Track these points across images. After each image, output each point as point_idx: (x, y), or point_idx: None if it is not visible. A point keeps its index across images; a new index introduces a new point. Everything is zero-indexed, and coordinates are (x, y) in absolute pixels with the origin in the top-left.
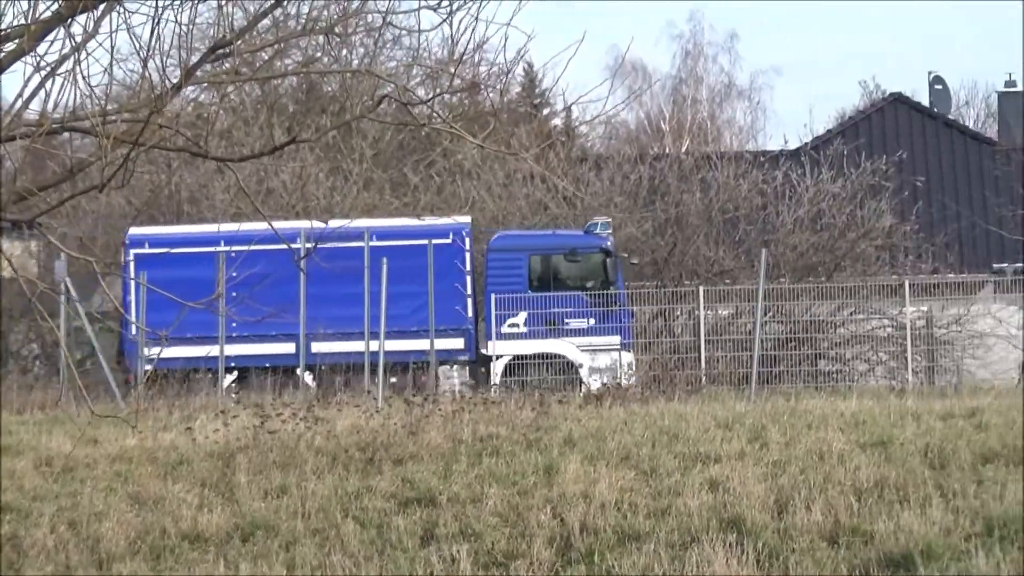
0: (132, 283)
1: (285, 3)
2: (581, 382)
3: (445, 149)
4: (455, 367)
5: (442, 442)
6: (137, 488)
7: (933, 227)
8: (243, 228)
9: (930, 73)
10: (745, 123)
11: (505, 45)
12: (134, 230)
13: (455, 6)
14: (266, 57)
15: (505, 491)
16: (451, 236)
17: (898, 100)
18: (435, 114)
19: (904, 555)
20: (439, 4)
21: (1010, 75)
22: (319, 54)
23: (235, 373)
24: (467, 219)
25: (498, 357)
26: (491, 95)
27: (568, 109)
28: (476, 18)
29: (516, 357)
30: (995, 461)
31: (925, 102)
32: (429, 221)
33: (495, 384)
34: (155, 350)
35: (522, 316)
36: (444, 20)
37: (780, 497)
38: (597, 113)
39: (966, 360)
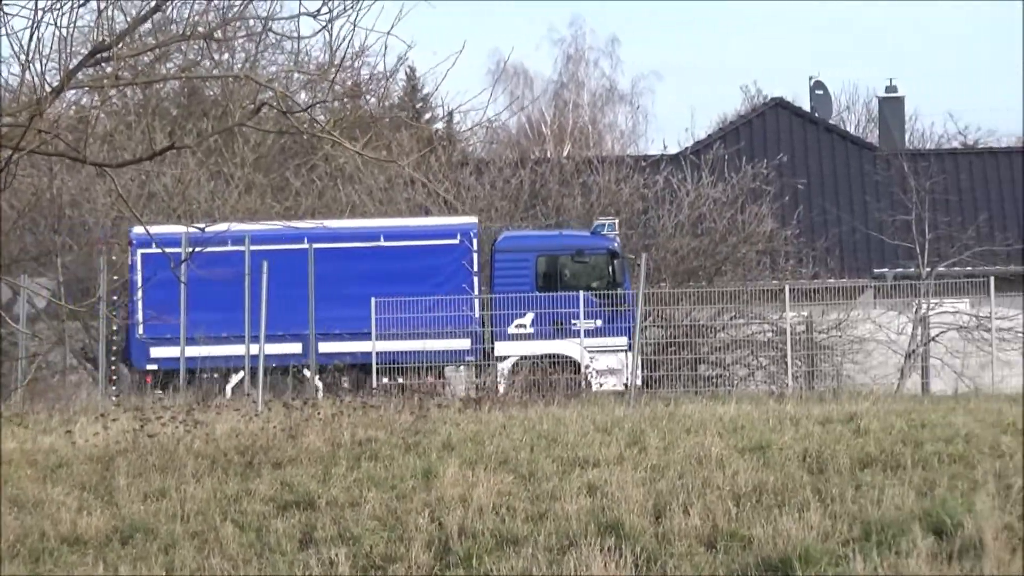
0: (138, 282)
1: (165, 7)
2: (588, 383)
3: (326, 153)
4: (462, 367)
5: (321, 446)
6: (16, 491)
7: (814, 232)
8: (250, 228)
9: (811, 78)
10: (626, 127)
11: (385, 52)
12: (139, 229)
13: (334, 13)
14: (148, 61)
15: (384, 495)
16: (459, 236)
17: (779, 105)
18: (315, 120)
19: (782, 560)
20: (319, 11)
21: (891, 80)
22: (201, 59)
23: (241, 373)
24: (473, 219)
25: (504, 358)
26: (371, 101)
27: (450, 114)
28: (355, 25)
29: (523, 358)
30: (873, 466)
31: (806, 107)
32: (437, 221)
33: (500, 383)
34: (159, 350)
35: (529, 317)
36: (324, 27)
37: (658, 501)
38: (478, 120)
39: (846, 365)
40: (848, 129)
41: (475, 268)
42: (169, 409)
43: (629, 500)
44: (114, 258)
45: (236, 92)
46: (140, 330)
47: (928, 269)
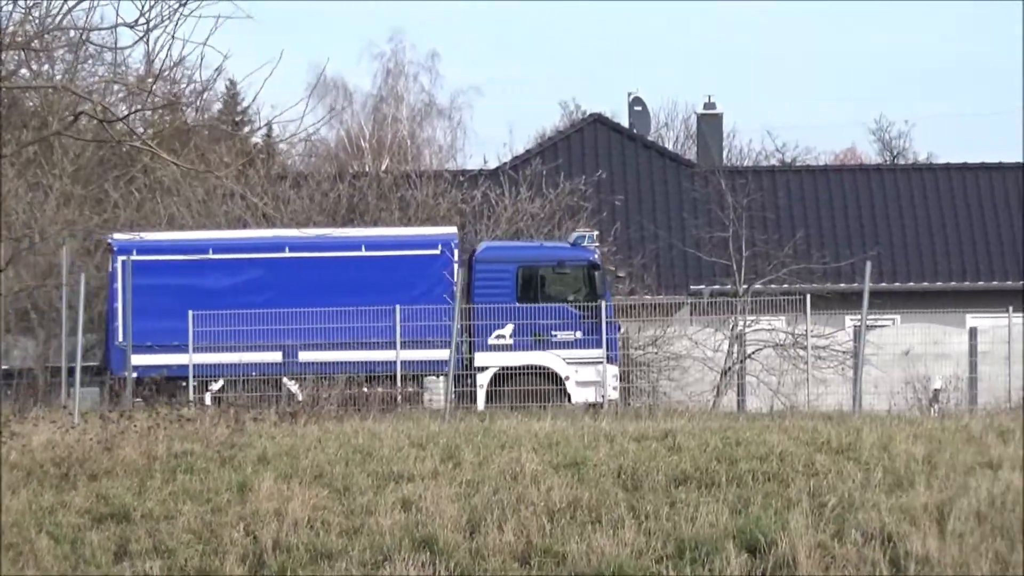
0: (119, 290)
1: None
2: (568, 395)
3: (145, 165)
4: (441, 378)
5: (137, 458)
6: None
7: (631, 248)
8: (232, 236)
9: (630, 94)
10: (445, 142)
11: (202, 63)
12: (119, 236)
13: (151, 24)
14: None
15: (199, 508)
16: (440, 247)
17: (598, 121)
18: (133, 132)
19: None
20: (136, 22)
21: (709, 97)
22: (19, 68)
23: (220, 381)
24: (453, 230)
25: (484, 369)
26: (189, 113)
27: (269, 127)
28: (173, 36)
29: (502, 368)
30: (688, 483)
31: (625, 123)
32: (417, 231)
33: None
34: (139, 357)
35: (509, 328)
36: (141, 38)
37: (473, 517)
38: (295, 131)
39: (662, 382)
40: (666, 145)
41: (455, 279)
42: None
43: (443, 515)
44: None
45: (55, 103)
46: (119, 337)
47: (745, 286)
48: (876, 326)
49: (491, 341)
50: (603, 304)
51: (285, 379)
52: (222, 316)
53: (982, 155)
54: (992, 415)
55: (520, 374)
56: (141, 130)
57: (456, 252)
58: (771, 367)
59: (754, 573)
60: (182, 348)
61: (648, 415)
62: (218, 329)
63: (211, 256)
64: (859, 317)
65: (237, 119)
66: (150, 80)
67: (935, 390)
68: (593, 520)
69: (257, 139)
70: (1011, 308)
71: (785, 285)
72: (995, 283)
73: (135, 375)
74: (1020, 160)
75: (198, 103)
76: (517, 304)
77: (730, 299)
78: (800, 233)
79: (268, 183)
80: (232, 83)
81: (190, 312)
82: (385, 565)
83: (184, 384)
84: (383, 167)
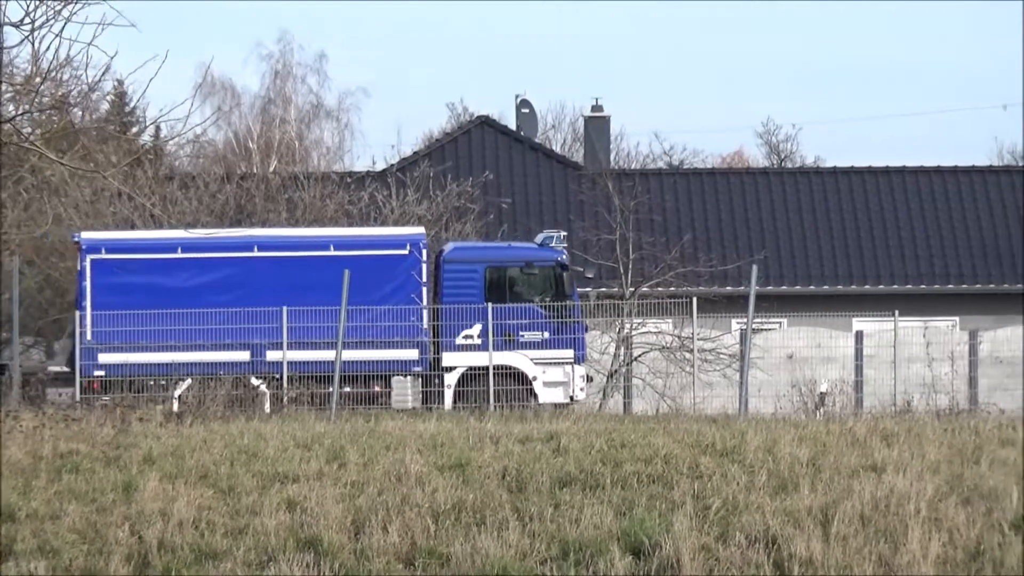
0: (87, 289)
1: None
2: (535, 395)
3: (33, 166)
4: (408, 377)
5: (22, 458)
6: None
7: None
8: (201, 235)
9: (517, 96)
10: (333, 143)
11: (88, 64)
12: (87, 235)
13: (36, 24)
14: None
15: (84, 508)
16: (408, 247)
17: (485, 123)
18: (20, 132)
19: None
20: (21, 21)
21: (596, 100)
22: None
23: (188, 380)
24: (422, 230)
25: (452, 369)
26: (76, 113)
27: (156, 126)
28: (60, 37)
29: (470, 368)
30: (572, 485)
31: (512, 125)
32: (386, 231)
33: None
34: (107, 356)
35: (477, 328)
36: (25, 37)
37: (357, 518)
38: (181, 131)
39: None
40: (554, 148)
41: (424, 279)
42: None
43: (328, 516)
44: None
45: None
46: (88, 336)
47: (631, 289)
48: (762, 329)
49: (459, 341)
50: (571, 304)
51: (253, 378)
52: (190, 315)
53: (869, 159)
54: (877, 418)
55: (487, 374)
56: (28, 131)
57: (424, 252)
58: (657, 370)
59: (638, 574)
60: (150, 347)
61: (533, 417)
62: (186, 328)
63: (180, 255)
64: (745, 320)
65: (125, 119)
66: (37, 80)
67: (820, 393)
68: (477, 522)
69: (146, 139)
70: (896, 312)
71: (672, 288)
72: (881, 287)
73: (102, 373)
74: (906, 164)
75: (85, 103)
76: (485, 304)
77: (616, 302)
78: (687, 236)
79: (156, 184)
80: (119, 83)
81: (152, 311)
82: (270, 565)
83: (153, 383)
84: (271, 168)
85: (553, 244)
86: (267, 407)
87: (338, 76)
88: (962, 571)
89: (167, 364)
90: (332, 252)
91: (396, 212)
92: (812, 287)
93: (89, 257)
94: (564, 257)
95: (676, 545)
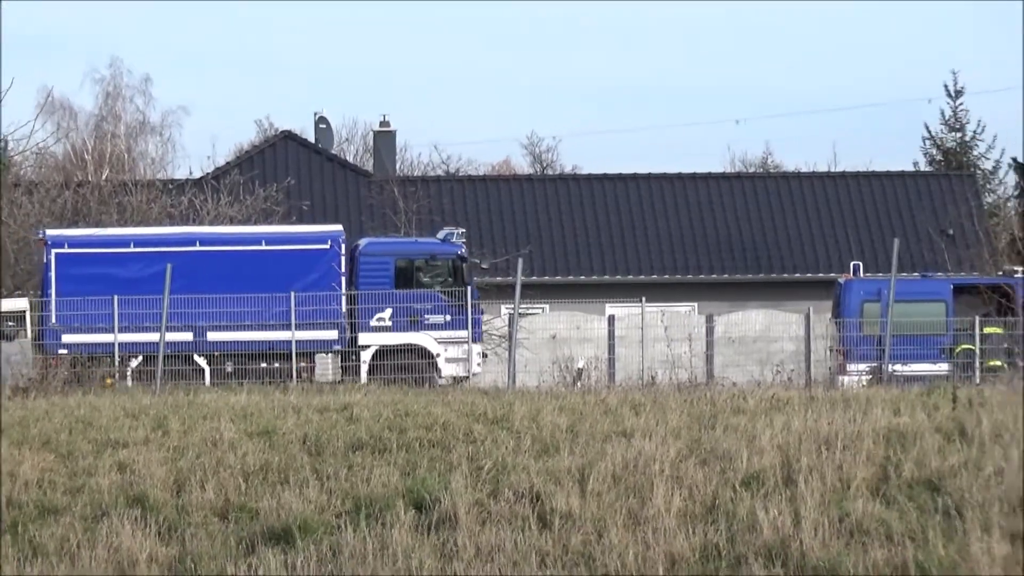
0: (52, 278)
1: None
2: (438, 369)
3: None
4: (329, 355)
5: None
6: None
7: None
8: (151, 232)
9: (316, 114)
10: (157, 155)
11: None
12: (52, 232)
13: None
14: None
15: None
16: (329, 242)
17: (288, 137)
18: None
19: (284, 529)
20: None
21: (384, 116)
22: None
23: (140, 357)
24: (339, 227)
25: (367, 347)
26: None
27: (5, 142)
28: None
29: (382, 347)
30: (364, 449)
31: (312, 139)
32: (311, 229)
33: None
34: (70, 336)
35: (388, 312)
36: None
37: (179, 478)
38: (25, 147)
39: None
40: (347, 158)
41: (342, 269)
42: None
43: (154, 476)
44: None
45: None
46: (52, 319)
47: None
48: (528, 314)
49: (373, 323)
50: (468, 291)
51: (195, 356)
52: (141, 301)
53: (619, 166)
54: (627, 391)
55: (397, 351)
56: None
57: (343, 246)
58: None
59: (421, 526)
60: (107, 329)
61: (330, 391)
62: (137, 312)
63: (132, 249)
64: (512, 306)
65: None
66: None
67: (578, 369)
68: (282, 481)
69: None
70: (643, 299)
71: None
72: (631, 277)
73: (65, 351)
74: (652, 171)
75: None
76: (395, 291)
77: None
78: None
79: (3, 190)
80: None
81: (114, 297)
82: (103, 519)
83: (110, 359)
84: (103, 177)
85: (454, 239)
86: (207, 380)
87: (162, 96)
88: (700, 522)
89: (122, 343)
90: (264, 247)
91: (211, 214)
92: (571, 277)
93: (53, 251)
94: (463, 250)
95: (453, 500)
